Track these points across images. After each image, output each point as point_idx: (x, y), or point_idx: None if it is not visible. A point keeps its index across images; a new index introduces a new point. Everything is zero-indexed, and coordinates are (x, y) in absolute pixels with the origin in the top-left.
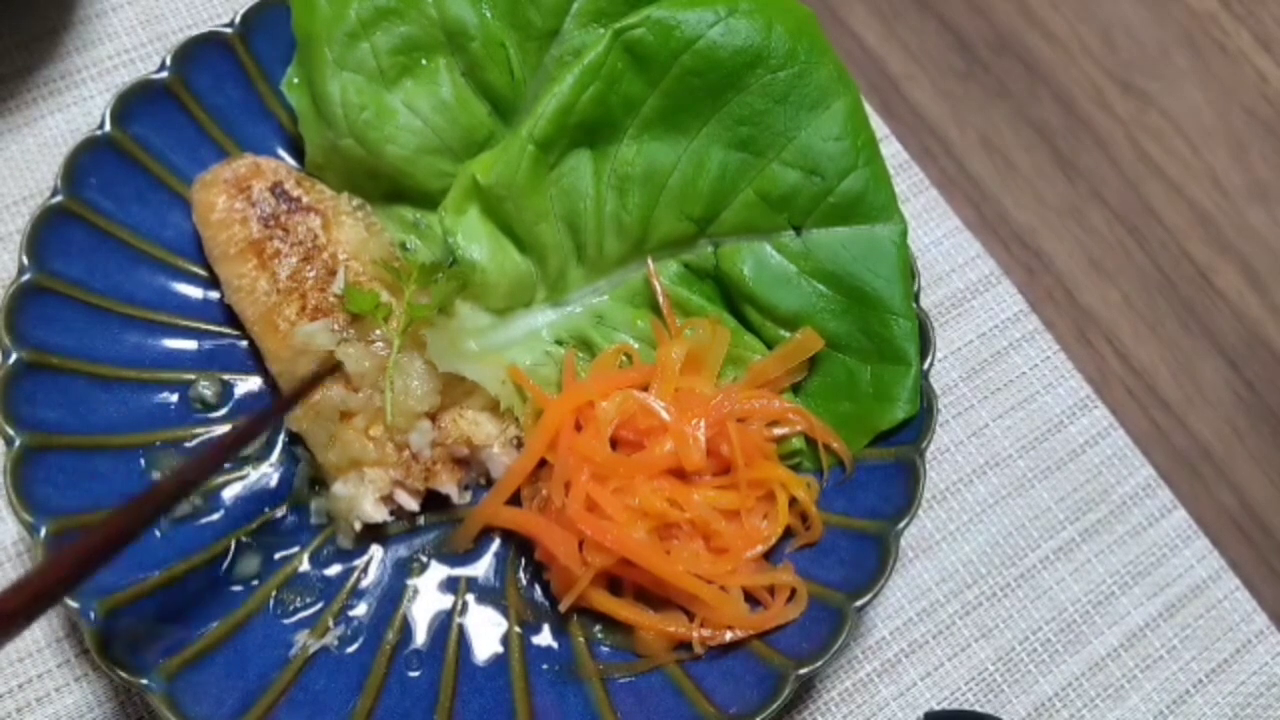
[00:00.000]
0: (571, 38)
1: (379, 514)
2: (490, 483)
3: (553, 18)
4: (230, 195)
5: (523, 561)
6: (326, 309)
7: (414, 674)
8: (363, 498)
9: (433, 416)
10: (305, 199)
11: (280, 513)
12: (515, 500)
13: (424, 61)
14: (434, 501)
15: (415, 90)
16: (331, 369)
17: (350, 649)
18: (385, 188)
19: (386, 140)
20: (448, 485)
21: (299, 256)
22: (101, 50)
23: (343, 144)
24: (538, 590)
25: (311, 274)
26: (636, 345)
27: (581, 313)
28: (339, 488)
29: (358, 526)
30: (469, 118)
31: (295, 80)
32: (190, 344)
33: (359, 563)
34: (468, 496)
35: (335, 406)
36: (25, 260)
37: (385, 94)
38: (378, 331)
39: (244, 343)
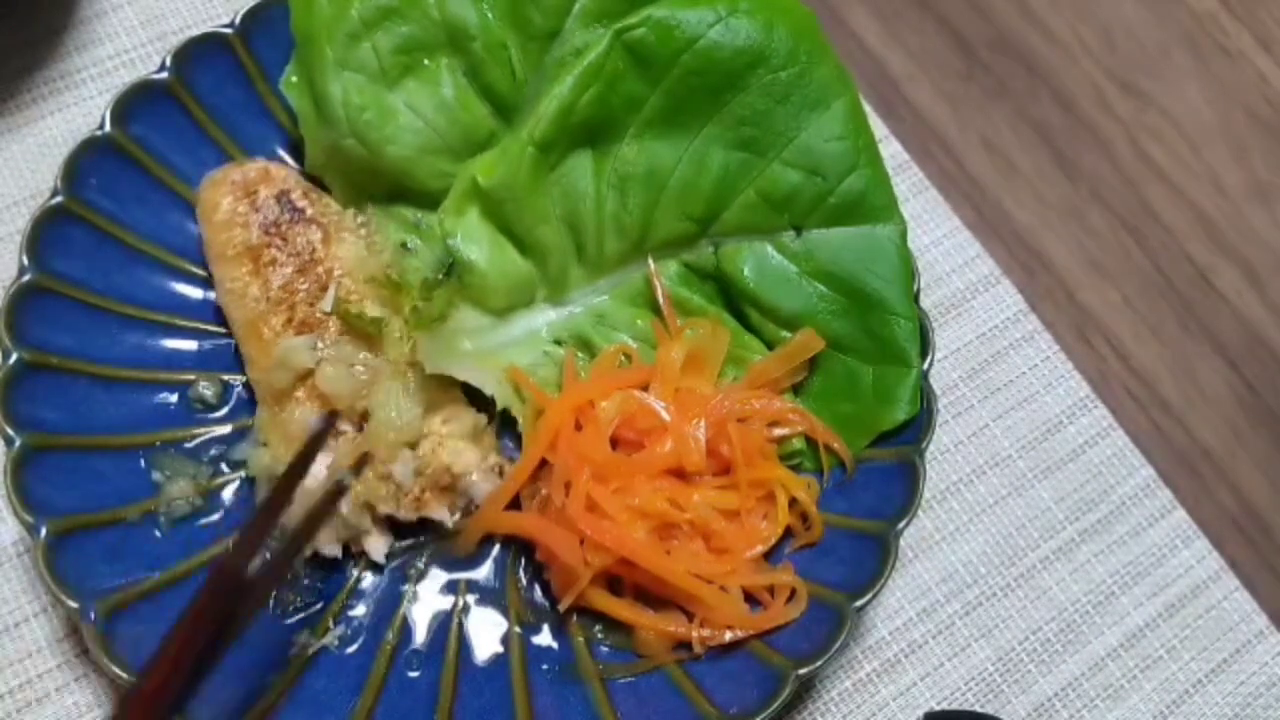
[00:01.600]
0: (573, 38)
1: (333, 550)
2: (475, 508)
3: (554, 18)
4: (235, 197)
5: (523, 562)
6: (313, 324)
7: (414, 674)
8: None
9: (412, 446)
10: (309, 211)
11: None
12: (514, 503)
13: (425, 61)
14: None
15: (417, 90)
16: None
17: (350, 649)
18: (386, 187)
19: (388, 140)
20: (439, 511)
21: (294, 268)
22: (101, 51)
23: (344, 144)
24: (538, 590)
25: (304, 287)
26: (636, 345)
27: (581, 313)
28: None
29: (308, 552)
30: (470, 118)
31: (294, 79)
32: (190, 344)
33: (359, 563)
34: (456, 518)
35: (303, 423)
36: (25, 260)
37: (387, 94)
38: (361, 355)
39: None
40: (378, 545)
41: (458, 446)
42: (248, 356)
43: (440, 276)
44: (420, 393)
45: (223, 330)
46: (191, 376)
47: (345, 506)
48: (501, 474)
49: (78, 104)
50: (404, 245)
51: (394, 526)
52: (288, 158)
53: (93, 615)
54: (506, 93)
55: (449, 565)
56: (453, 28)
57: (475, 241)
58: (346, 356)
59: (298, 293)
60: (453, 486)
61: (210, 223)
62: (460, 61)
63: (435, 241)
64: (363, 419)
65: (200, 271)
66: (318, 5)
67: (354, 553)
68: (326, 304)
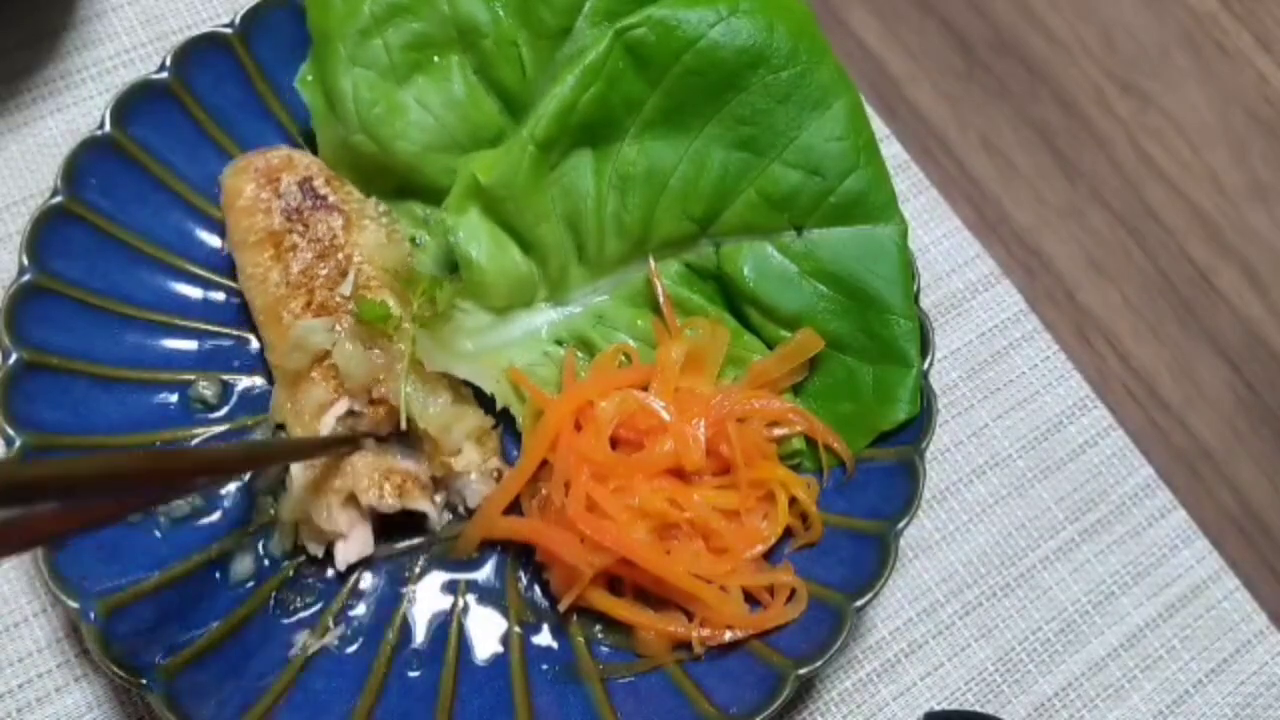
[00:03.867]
0: (583, 36)
1: (314, 549)
2: (467, 510)
3: (565, 16)
4: (259, 184)
5: (523, 562)
6: (331, 308)
7: (414, 674)
8: (316, 524)
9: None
10: (331, 197)
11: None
12: (514, 503)
13: (436, 59)
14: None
15: (427, 87)
16: (348, 441)
17: (350, 649)
18: (396, 184)
19: (397, 136)
20: (423, 503)
21: (314, 253)
22: (101, 50)
23: (354, 140)
24: (538, 590)
25: (324, 272)
26: (636, 345)
27: (582, 312)
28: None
29: (290, 545)
30: (480, 115)
31: (309, 77)
32: (190, 344)
33: (358, 564)
34: (447, 518)
35: (319, 403)
36: (25, 261)
37: (397, 90)
38: (378, 341)
39: (243, 343)
40: (347, 550)
41: (461, 444)
42: (268, 342)
43: (449, 274)
44: (439, 382)
45: (222, 330)
46: (191, 377)
47: (328, 510)
48: (499, 478)
49: (77, 104)
50: (413, 241)
51: (387, 526)
52: None
53: (92, 615)
54: (516, 90)
55: (449, 566)
56: (463, 25)
57: (476, 238)
58: (364, 339)
59: (317, 278)
60: (444, 482)
61: (233, 209)
62: (470, 59)
63: (443, 237)
64: (373, 403)
65: (200, 271)
66: (332, 3)
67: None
68: (345, 288)
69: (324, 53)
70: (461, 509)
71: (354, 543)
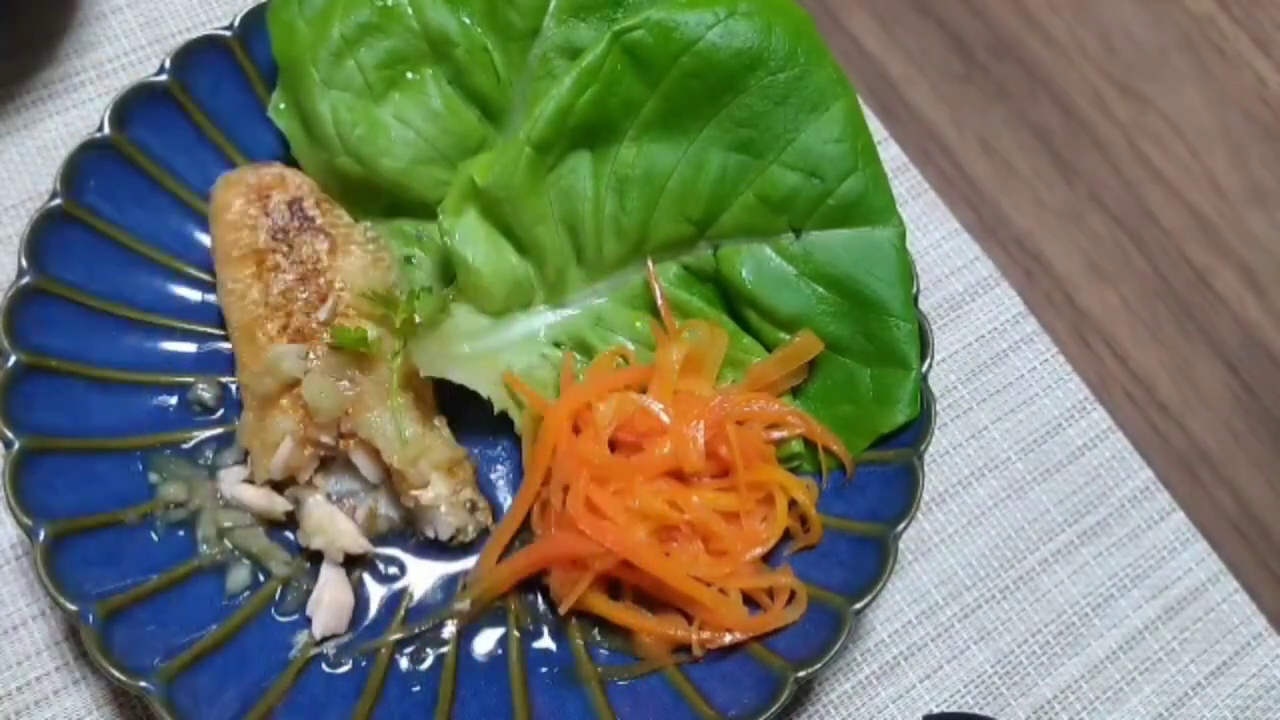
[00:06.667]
0: (553, 35)
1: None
2: (437, 541)
3: (532, 16)
4: (248, 199)
5: None
6: (307, 334)
7: (413, 676)
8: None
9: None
10: (319, 220)
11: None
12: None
13: (410, 74)
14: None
15: (404, 103)
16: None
17: (350, 651)
18: (385, 202)
19: (381, 154)
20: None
21: (296, 275)
22: (101, 53)
23: (338, 162)
24: (537, 594)
25: (303, 295)
26: (633, 347)
27: (580, 315)
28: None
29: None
30: (460, 124)
31: (281, 106)
32: (189, 347)
33: (356, 566)
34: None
35: (283, 432)
36: (24, 263)
37: (375, 109)
38: (349, 372)
39: None
40: (326, 620)
41: (429, 476)
42: (240, 360)
43: (444, 286)
44: (409, 413)
45: (221, 333)
46: (190, 379)
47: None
48: (474, 510)
49: (77, 106)
50: (408, 260)
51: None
52: (285, 162)
53: (91, 618)
54: (492, 96)
55: (448, 563)
56: (434, 37)
57: (472, 240)
58: (335, 371)
59: (296, 300)
60: (412, 515)
61: (220, 222)
62: (444, 70)
63: (438, 253)
64: (342, 436)
65: (199, 274)
66: (298, 29)
67: (367, 559)
68: (323, 314)
69: (295, 79)
70: (432, 534)
71: (330, 603)
